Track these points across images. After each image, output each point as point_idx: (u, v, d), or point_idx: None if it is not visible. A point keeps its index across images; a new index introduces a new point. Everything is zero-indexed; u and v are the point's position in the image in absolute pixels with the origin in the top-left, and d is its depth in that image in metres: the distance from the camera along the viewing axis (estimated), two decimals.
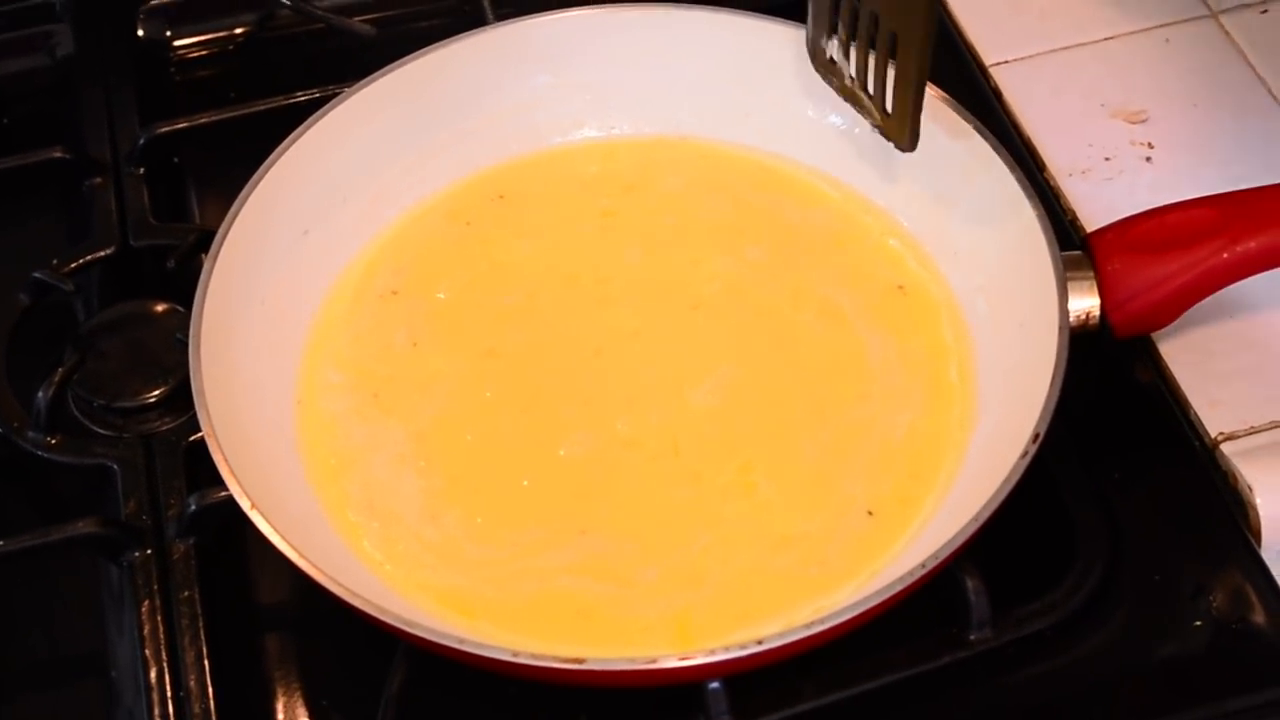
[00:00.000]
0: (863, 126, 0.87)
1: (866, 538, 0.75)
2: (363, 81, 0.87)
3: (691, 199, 0.90)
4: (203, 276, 0.79)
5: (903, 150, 0.83)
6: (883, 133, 0.84)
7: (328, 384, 0.82)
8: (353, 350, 0.84)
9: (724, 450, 0.79)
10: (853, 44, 0.84)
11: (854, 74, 0.85)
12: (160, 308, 0.88)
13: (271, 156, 0.84)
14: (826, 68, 0.87)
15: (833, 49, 0.86)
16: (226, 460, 0.72)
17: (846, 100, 0.86)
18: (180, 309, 0.87)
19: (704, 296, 0.85)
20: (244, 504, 0.70)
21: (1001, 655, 0.74)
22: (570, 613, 0.73)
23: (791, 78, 0.89)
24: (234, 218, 0.81)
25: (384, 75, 0.88)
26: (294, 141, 0.85)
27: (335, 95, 0.88)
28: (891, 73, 0.81)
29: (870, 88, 0.84)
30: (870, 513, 0.76)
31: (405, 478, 0.79)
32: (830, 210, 0.89)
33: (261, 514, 0.70)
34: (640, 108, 0.92)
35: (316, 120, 0.86)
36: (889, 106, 0.83)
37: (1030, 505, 0.71)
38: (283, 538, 0.69)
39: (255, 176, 0.83)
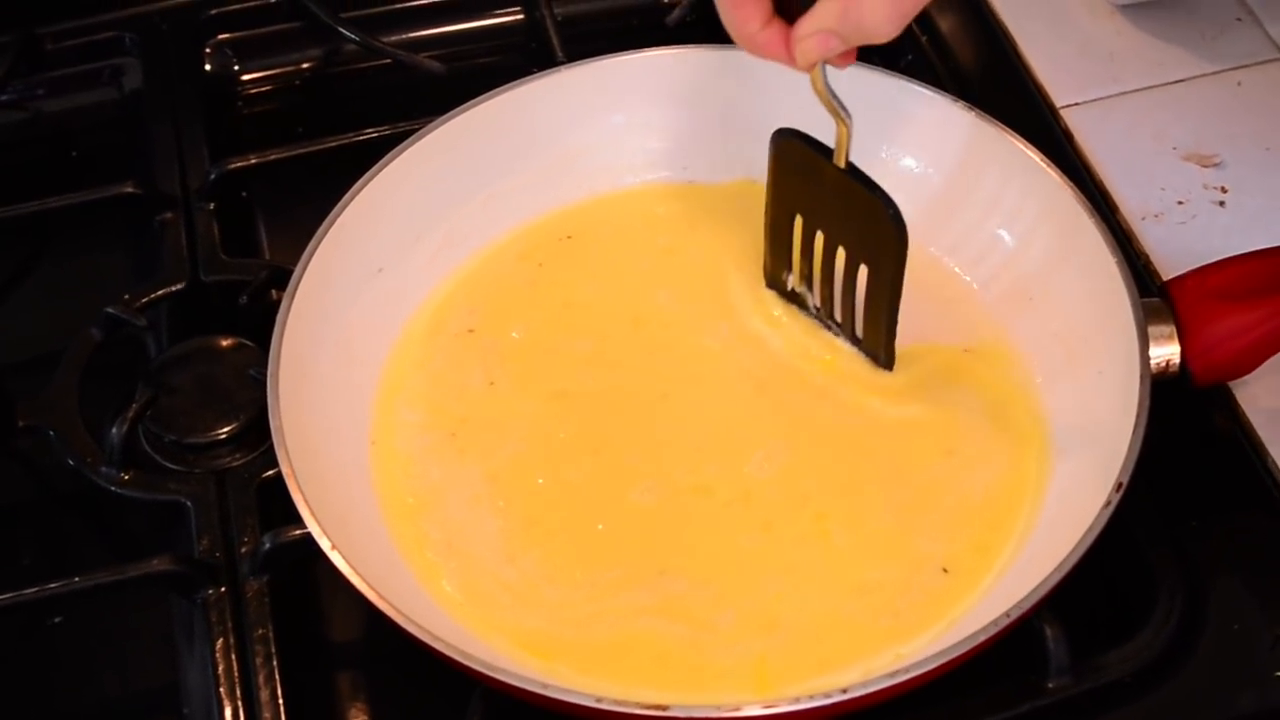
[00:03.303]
0: (935, 167, 0.87)
1: (942, 591, 0.75)
2: (437, 120, 0.87)
3: (757, 243, 0.89)
4: (280, 314, 0.79)
5: (883, 369, 0.83)
6: (859, 346, 0.84)
7: (403, 423, 0.82)
8: (429, 389, 0.84)
9: (796, 499, 0.79)
10: (814, 277, 0.84)
11: (819, 304, 0.85)
12: (229, 343, 0.88)
13: (348, 194, 0.84)
14: (789, 297, 0.87)
15: (794, 280, 0.86)
16: (306, 500, 0.72)
17: (816, 320, 0.86)
18: (249, 344, 0.87)
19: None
20: (324, 544, 0.70)
21: (1080, 703, 0.73)
22: (648, 657, 0.73)
23: (866, 125, 0.89)
24: (310, 255, 0.81)
25: (459, 114, 0.88)
26: (370, 179, 0.85)
27: (404, 133, 0.88)
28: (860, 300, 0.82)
29: (838, 317, 0.84)
30: (945, 570, 0.76)
31: (483, 518, 0.79)
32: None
33: (342, 555, 0.70)
34: (711, 150, 0.92)
35: (392, 158, 0.86)
36: (859, 332, 0.83)
37: (1107, 553, 0.71)
38: (363, 579, 0.69)
39: (332, 214, 0.83)
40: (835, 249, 0.82)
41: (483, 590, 0.76)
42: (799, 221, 0.83)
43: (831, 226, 0.81)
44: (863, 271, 0.81)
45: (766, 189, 0.83)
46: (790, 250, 0.84)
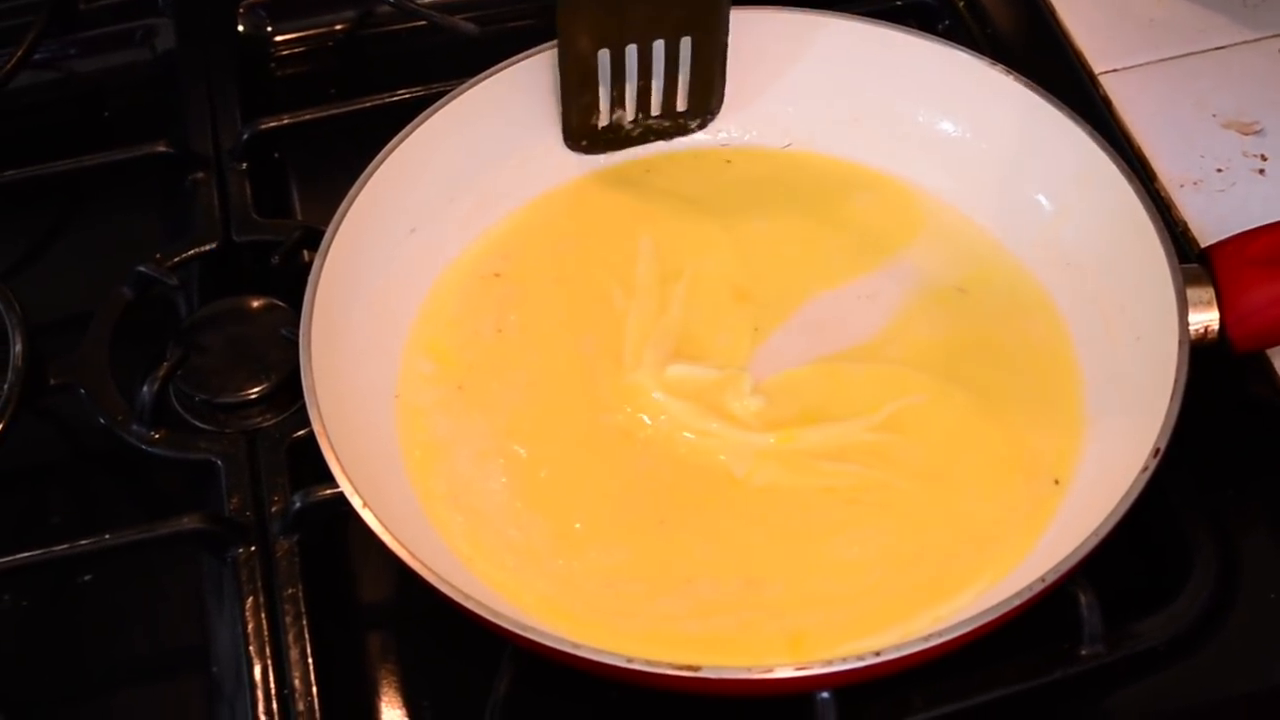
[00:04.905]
0: (973, 131, 0.86)
1: (978, 557, 0.74)
2: (470, 81, 0.87)
3: (793, 209, 0.89)
4: (312, 274, 0.79)
5: (707, 121, 0.88)
6: (680, 129, 0.89)
7: (419, 375, 0.82)
8: (444, 338, 0.83)
9: (819, 470, 0.78)
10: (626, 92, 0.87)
11: (636, 112, 0.88)
12: (261, 303, 0.88)
13: (380, 155, 0.83)
14: (602, 141, 0.89)
15: (602, 117, 0.88)
16: (339, 460, 0.72)
17: (632, 144, 0.89)
18: (281, 304, 0.87)
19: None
20: (356, 503, 0.70)
21: (1114, 671, 0.73)
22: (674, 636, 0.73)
23: (903, 88, 0.88)
24: (344, 215, 0.81)
25: (492, 76, 0.87)
26: (402, 140, 0.84)
27: (437, 94, 0.87)
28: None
29: (656, 109, 0.88)
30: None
31: (490, 474, 0.78)
32: (940, 223, 0.88)
33: (374, 513, 0.70)
34: (752, 114, 0.91)
35: (425, 119, 0.85)
36: (682, 102, 0.88)
37: (1142, 520, 0.70)
38: (394, 538, 0.69)
39: (366, 173, 0.83)
40: (651, 46, 0.85)
41: (490, 549, 0.75)
42: (604, 57, 0.85)
43: (644, 28, 0.84)
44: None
45: (560, 44, 0.84)
46: (595, 87, 0.86)
